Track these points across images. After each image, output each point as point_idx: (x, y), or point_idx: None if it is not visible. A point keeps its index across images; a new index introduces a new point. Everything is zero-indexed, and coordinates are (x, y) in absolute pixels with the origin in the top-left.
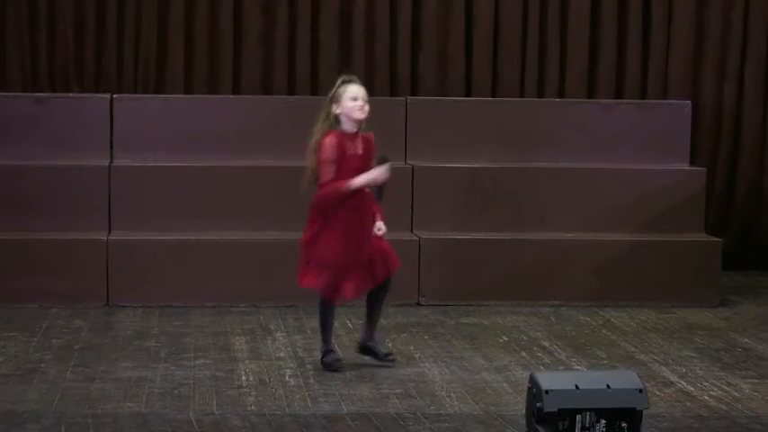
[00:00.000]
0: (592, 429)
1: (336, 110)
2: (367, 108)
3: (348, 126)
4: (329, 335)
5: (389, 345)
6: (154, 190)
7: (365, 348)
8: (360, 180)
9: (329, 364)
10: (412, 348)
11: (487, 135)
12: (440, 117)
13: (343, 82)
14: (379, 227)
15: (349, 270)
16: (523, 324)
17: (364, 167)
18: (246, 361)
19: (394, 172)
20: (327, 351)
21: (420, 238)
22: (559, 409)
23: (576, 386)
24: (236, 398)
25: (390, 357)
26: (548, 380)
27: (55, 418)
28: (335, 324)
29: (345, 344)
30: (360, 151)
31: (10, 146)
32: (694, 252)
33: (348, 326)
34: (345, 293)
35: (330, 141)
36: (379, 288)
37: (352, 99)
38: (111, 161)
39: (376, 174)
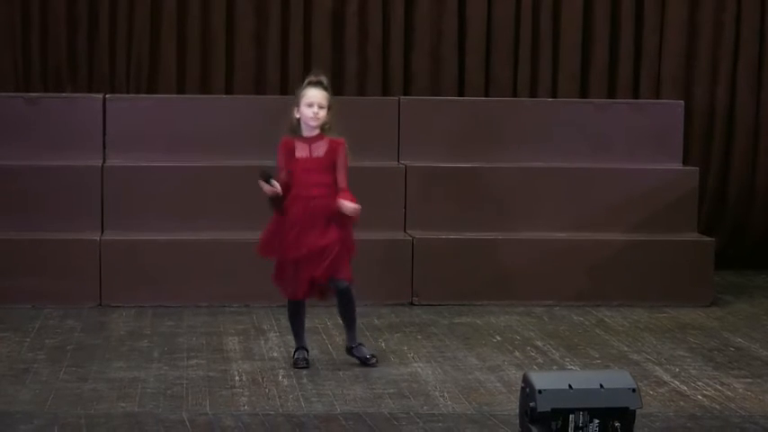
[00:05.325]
0: (585, 429)
1: (296, 114)
2: (322, 114)
3: (306, 130)
4: (296, 332)
5: (382, 345)
6: (147, 190)
7: (349, 352)
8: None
9: (293, 362)
10: (405, 348)
11: (480, 135)
12: (433, 117)
13: (308, 83)
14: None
15: (295, 267)
16: (516, 324)
17: (321, 170)
18: (239, 361)
19: (387, 171)
20: (295, 349)
21: (413, 237)
22: (553, 409)
23: (570, 386)
24: (229, 398)
25: (371, 362)
26: (541, 379)
27: (48, 418)
28: (331, 323)
29: (339, 343)
30: (319, 154)
31: (2, 146)
32: (687, 251)
33: (341, 325)
34: (298, 292)
35: (278, 147)
36: (338, 298)
37: (308, 105)
38: (104, 161)
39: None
